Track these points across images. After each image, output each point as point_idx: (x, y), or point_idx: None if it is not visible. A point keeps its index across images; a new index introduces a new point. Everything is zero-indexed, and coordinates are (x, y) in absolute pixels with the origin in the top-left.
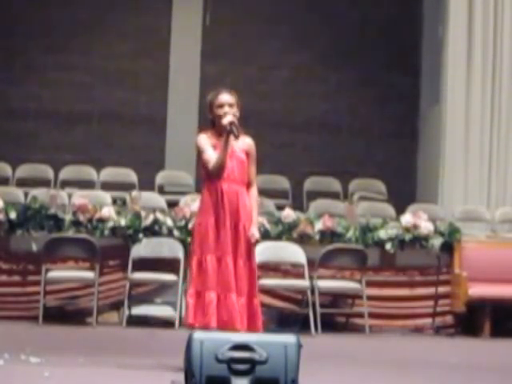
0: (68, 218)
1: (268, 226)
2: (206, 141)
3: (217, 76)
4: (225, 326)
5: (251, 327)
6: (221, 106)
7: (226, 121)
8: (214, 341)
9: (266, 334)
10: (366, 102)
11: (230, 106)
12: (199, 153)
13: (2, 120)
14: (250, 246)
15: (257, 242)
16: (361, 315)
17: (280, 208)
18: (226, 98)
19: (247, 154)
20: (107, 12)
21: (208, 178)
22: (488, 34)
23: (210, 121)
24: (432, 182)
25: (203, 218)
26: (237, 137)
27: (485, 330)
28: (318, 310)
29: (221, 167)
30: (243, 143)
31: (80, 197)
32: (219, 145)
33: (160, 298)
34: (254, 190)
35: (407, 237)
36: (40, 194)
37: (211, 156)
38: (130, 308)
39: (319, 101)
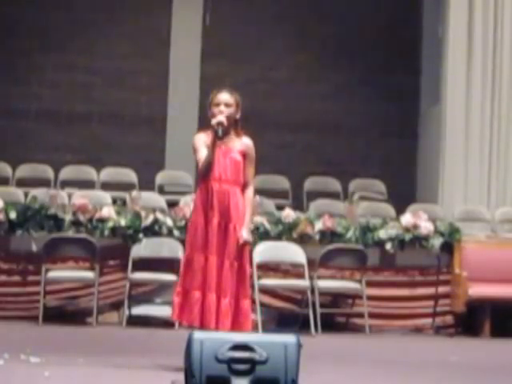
0: (68, 218)
1: (268, 225)
2: (201, 140)
3: (217, 76)
4: (203, 325)
5: (236, 328)
6: (217, 104)
7: (214, 121)
8: (214, 341)
9: (265, 334)
10: (366, 101)
11: (227, 105)
12: (194, 152)
13: (2, 120)
14: (241, 247)
15: (246, 243)
16: (361, 315)
17: (280, 208)
18: (224, 97)
19: (244, 154)
20: (107, 12)
21: (201, 177)
22: (488, 33)
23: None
24: (432, 182)
25: (194, 217)
26: (220, 138)
27: (485, 329)
28: (318, 309)
29: (207, 166)
30: (241, 144)
31: (80, 197)
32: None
33: (160, 298)
34: (249, 192)
35: (407, 237)
36: (40, 193)
37: (202, 155)
38: (129, 308)
39: (319, 101)
